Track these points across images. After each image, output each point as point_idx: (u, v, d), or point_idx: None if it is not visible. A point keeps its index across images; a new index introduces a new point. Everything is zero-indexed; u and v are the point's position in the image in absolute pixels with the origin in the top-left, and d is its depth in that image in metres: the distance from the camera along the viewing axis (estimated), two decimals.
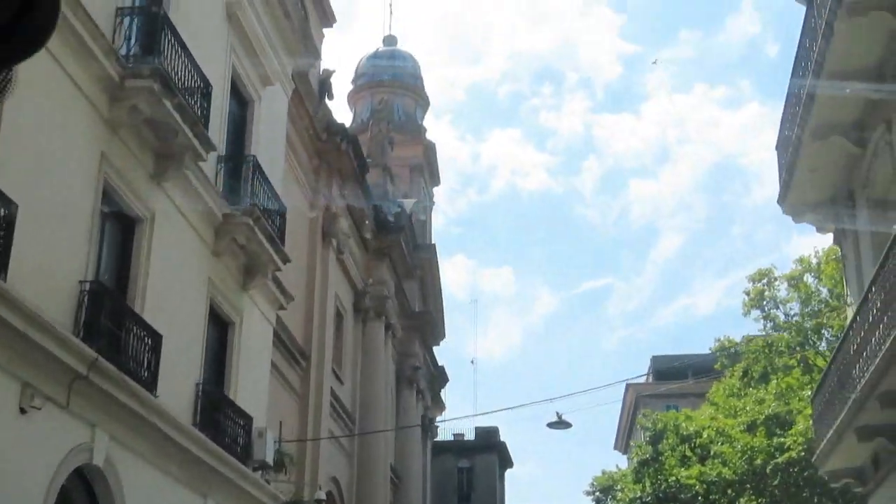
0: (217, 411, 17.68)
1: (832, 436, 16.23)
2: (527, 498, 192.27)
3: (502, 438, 66.76)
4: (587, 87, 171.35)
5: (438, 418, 64.30)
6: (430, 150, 65.59)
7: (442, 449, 63.65)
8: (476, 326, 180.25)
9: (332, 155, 36.71)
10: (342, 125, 36.87)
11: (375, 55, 68.52)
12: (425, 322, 52.55)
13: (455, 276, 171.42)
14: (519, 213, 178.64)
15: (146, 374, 14.78)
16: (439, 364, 59.07)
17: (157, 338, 15.05)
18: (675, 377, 68.70)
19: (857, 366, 15.10)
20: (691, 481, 38.66)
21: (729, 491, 37.67)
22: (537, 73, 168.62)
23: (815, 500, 35.70)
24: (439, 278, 57.34)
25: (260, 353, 20.62)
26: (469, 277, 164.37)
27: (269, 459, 19.41)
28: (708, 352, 54.81)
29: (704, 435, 40.71)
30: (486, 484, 64.52)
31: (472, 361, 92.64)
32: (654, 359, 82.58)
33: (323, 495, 25.24)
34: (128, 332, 14.61)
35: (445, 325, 59.25)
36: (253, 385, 19.92)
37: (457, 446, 65.05)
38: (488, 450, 65.07)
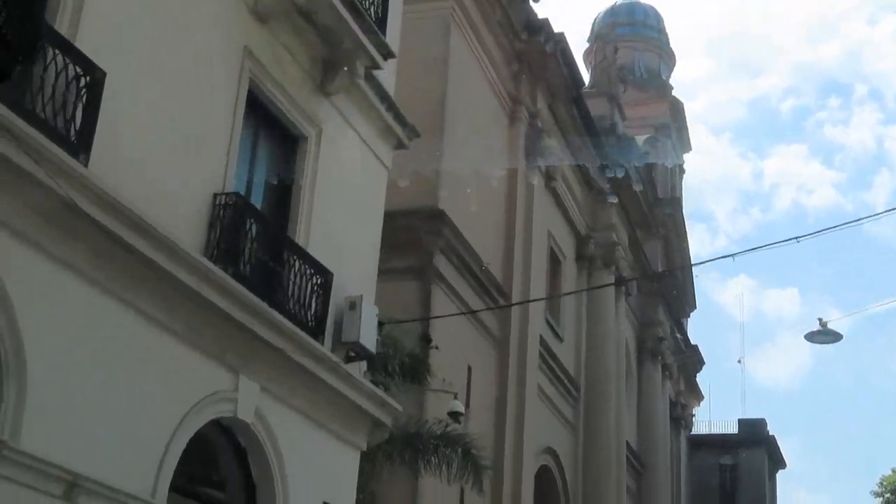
0: (271, 253, 11.41)
1: None
2: (803, 501, 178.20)
3: (770, 433, 57.67)
4: (877, 99, 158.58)
5: (695, 409, 56.40)
6: (676, 107, 58.35)
7: (700, 443, 55.44)
8: (743, 326, 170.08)
9: (535, 57, 30.02)
10: (545, 20, 30.15)
11: (613, 10, 62.22)
12: (669, 286, 44.87)
13: (736, 297, 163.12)
14: (805, 232, 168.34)
15: (72, 134, 8.73)
16: (692, 343, 51.11)
17: (97, 73, 8.96)
18: None
19: None
20: None
21: None
22: (823, 86, 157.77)
23: None
24: (687, 241, 49.49)
25: (361, 199, 14.22)
26: (751, 298, 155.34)
27: (369, 344, 12.90)
28: None
29: None
30: (754, 484, 55.62)
31: (738, 361, 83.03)
32: None
33: (461, 407, 18.24)
34: None
35: (696, 295, 51.30)
36: (346, 238, 13.56)
37: (718, 441, 56.49)
38: (755, 445, 56.13)
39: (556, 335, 32.70)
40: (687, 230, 49.55)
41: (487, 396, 26.54)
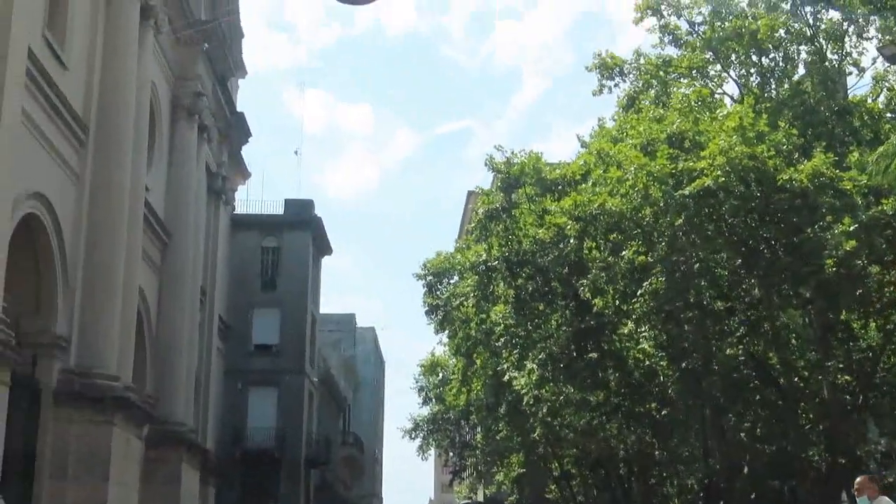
0: None
1: None
2: (347, 288, 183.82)
3: (317, 215, 54.77)
4: None
5: (240, 186, 52.29)
6: None
7: (243, 224, 51.52)
8: (304, 110, 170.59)
9: None
10: None
11: None
12: (213, 36, 39.45)
13: (312, 110, 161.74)
14: (383, 51, 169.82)
15: None
16: (238, 110, 46.37)
17: None
18: None
19: None
20: (560, 220, 27.55)
21: (613, 235, 26.79)
22: None
23: (721, 240, 25.33)
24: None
25: None
26: (326, 112, 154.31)
27: None
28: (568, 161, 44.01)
29: (580, 163, 29.72)
30: (297, 268, 52.80)
31: (295, 152, 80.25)
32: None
33: None
34: None
35: (244, 60, 46.40)
36: None
37: (262, 221, 52.85)
38: (300, 227, 53.10)
39: (59, 60, 26.61)
40: None
41: None
